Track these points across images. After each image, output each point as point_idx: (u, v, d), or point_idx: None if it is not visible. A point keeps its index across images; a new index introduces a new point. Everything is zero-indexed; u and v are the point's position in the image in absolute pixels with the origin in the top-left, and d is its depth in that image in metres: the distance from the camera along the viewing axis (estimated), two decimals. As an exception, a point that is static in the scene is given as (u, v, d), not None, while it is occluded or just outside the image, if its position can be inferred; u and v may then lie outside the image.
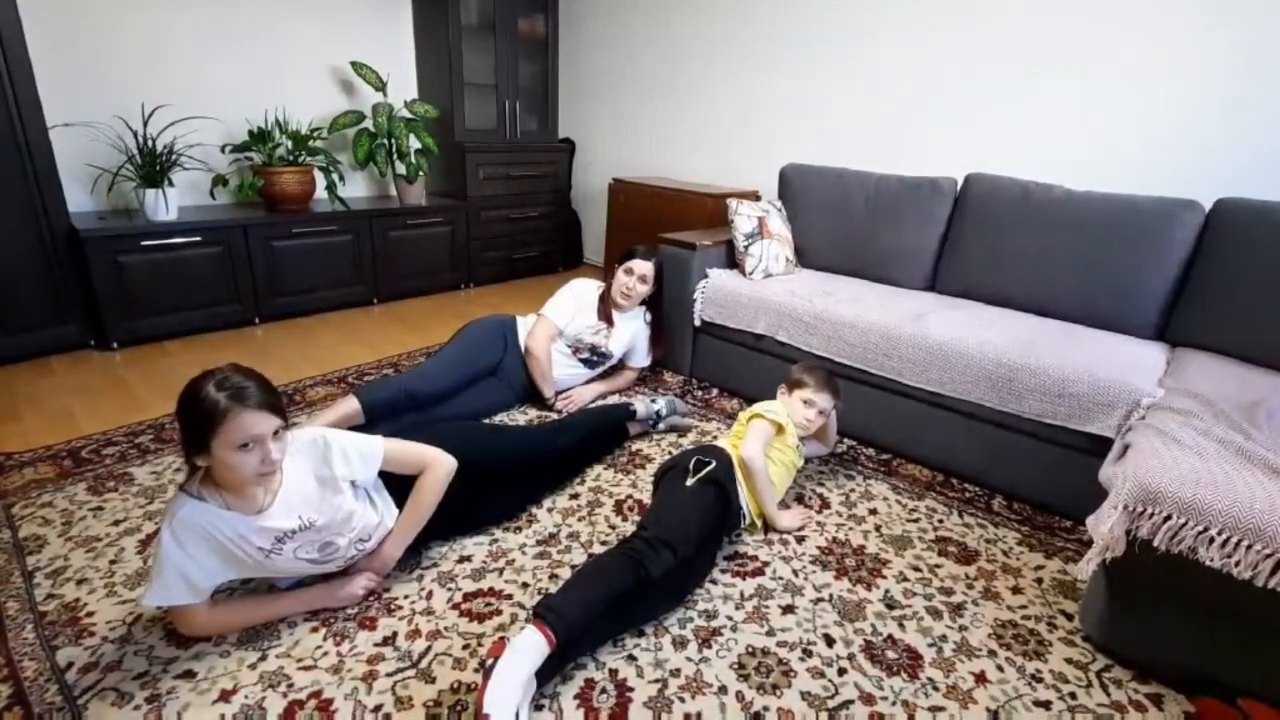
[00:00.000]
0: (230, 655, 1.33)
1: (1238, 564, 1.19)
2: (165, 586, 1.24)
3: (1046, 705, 1.32)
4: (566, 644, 1.26)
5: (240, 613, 1.40)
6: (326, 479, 1.38)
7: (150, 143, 2.93)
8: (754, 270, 2.71)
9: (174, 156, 2.99)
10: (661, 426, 2.37)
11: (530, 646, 1.21)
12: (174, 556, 1.23)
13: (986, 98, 2.89)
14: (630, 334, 2.63)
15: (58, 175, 2.66)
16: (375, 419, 2.07)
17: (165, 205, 2.94)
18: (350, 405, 2.06)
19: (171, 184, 2.97)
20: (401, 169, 3.81)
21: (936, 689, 1.35)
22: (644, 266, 2.56)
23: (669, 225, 3.28)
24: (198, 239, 2.99)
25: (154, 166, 2.91)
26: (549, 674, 1.27)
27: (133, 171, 2.92)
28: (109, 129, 2.97)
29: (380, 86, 3.63)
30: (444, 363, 2.31)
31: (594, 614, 1.32)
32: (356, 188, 4.05)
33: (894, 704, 1.31)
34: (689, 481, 1.66)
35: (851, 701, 1.31)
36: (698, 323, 2.76)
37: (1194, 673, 1.36)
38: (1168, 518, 1.26)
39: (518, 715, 1.14)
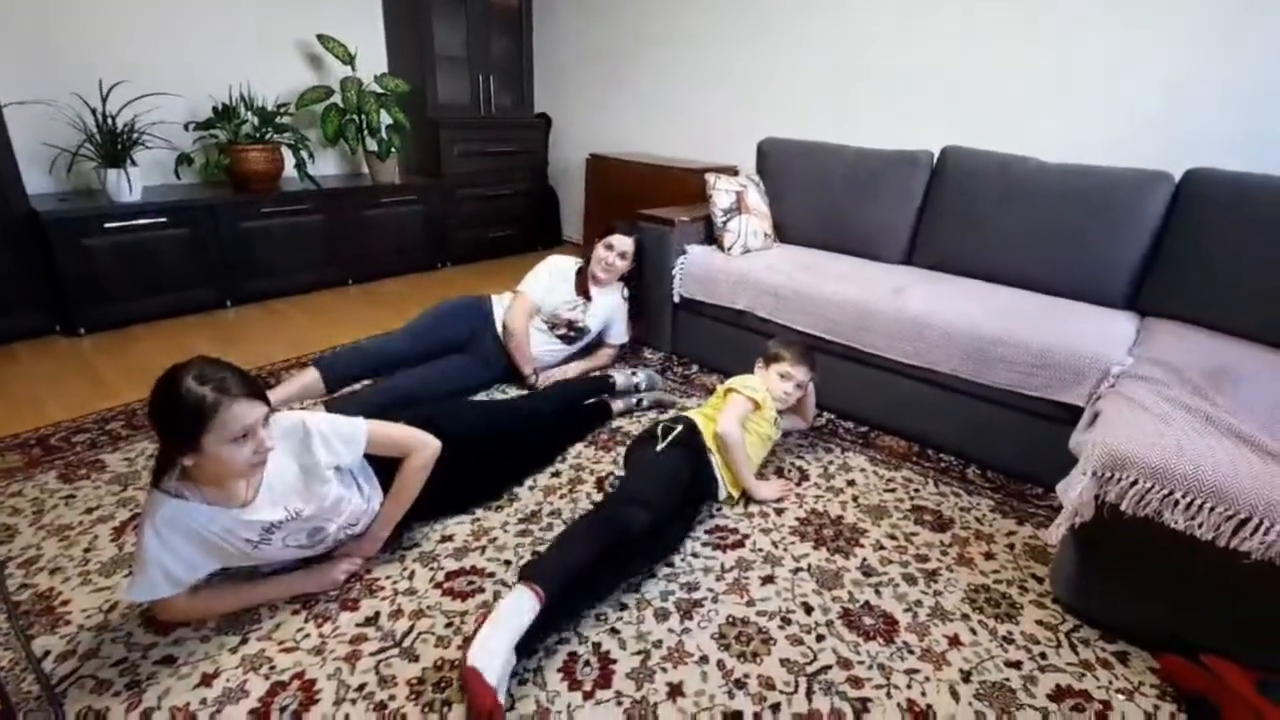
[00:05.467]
0: (210, 640, 1.33)
1: (1200, 525, 1.23)
2: (150, 582, 1.23)
3: (1018, 665, 1.37)
4: (551, 605, 1.28)
5: (221, 599, 1.38)
6: (309, 467, 1.36)
7: (110, 120, 2.83)
8: (733, 246, 2.70)
9: (135, 135, 2.89)
10: (645, 402, 2.38)
11: (518, 607, 1.23)
12: (157, 556, 1.21)
13: (963, 70, 2.88)
14: (608, 309, 2.62)
15: (13, 156, 2.57)
16: (335, 387, 2.10)
17: (128, 185, 2.85)
18: (309, 375, 2.06)
19: (134, 163, 2.88)
20: (373, 146, 3.72)
21: (912, 652, 1.38)
22: (624, 242, 2.55)
23: (647, 201, 3.25)
24: (163, 220, 2.91)
25: (115, 145, 2.82)
26: (531, 643, 1.28)
27: (93, 151, 2.82)
28: (66, 106, 2.86)
29: (348, 60, 3.53)
30: (407, 331, 2.34)
31: (579, 573, 1.35)
32: (327, 166, 3.96)
33: (871, 668, 1.34)
34: (658, 447, 1.71)
35: (829, 666, 1.34)
36: (677, 299, 2.76)
37: (1159, 631, 1.41)
38: (1134, 482, 1.30)
39: (505, 693, 1.16)
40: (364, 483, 1.50)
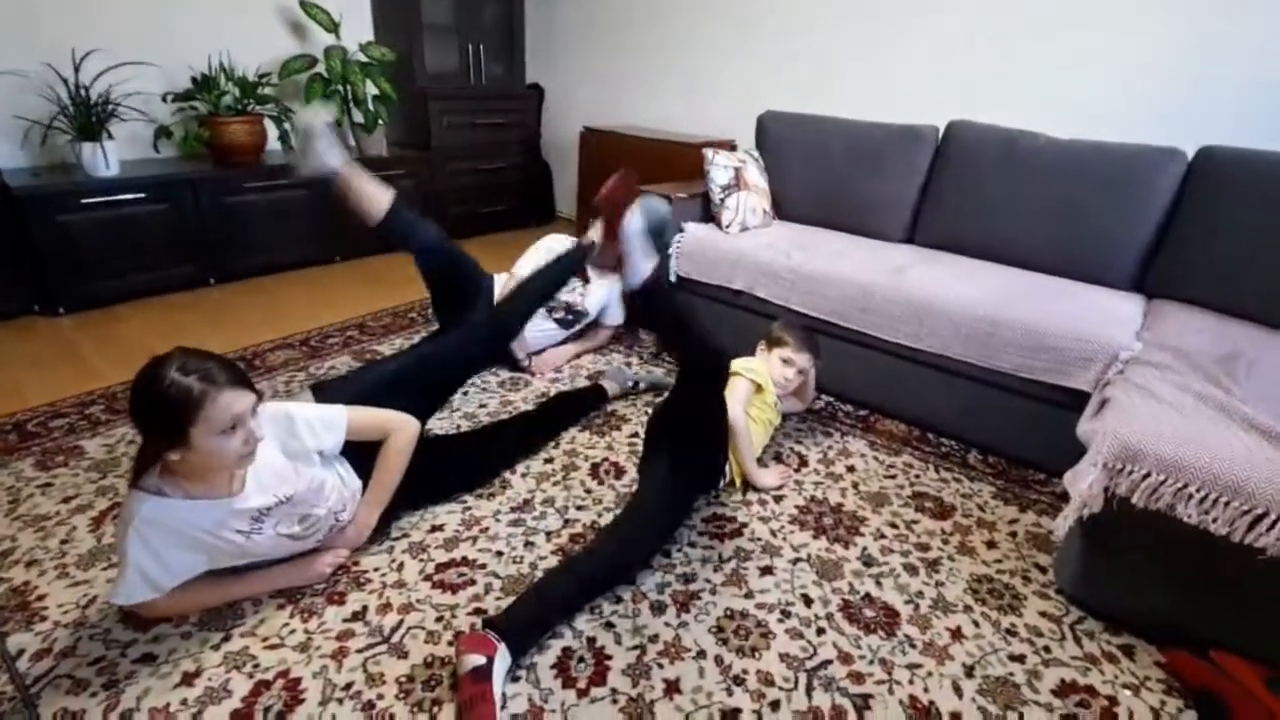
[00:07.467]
0: (192, 636, 1.28)
1: (1215, 520, 1.20)
2: (131, 585, 1.19)
3: (1021, 659, 1.34)
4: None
5: (202, 595, 1.33)
6: (297, 451, 1.34)
7: (84, 92, 2.72)
8: (731, 223, 2.63)
9: (111, 106, 2.78)
10: (642, 385, 2.33)
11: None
12: (140, 560, 1.17)
13: (970, 42, 2.79)
14: (606, 291, 2.56)
15: (-18, 128, 2.47)
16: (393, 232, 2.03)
17: (105, 159, 2.75)
18: (386, 197, 1.95)
19: (110, 136, 2.77)
20: (359, 117, 3.61)
21: (913, 646, 1.35)
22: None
23: (643, 176, 3.15)
24: (142, 195, 2.81)
25: (89, 117, 2.71)
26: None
27: (67, 123, 2.71)
28: (38, 77, 2.74)
29: (332, 28, 3.40)
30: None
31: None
32: (313, 138, 3.83)
33: (871, 662, 1.31)
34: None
35: (830, 661, 1.31)
36: (673, 278, 2.69)
37: (1166, 625, 1.38)
38: (1147, 475, 1.26)
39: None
40: (340, 468, 1.48)
